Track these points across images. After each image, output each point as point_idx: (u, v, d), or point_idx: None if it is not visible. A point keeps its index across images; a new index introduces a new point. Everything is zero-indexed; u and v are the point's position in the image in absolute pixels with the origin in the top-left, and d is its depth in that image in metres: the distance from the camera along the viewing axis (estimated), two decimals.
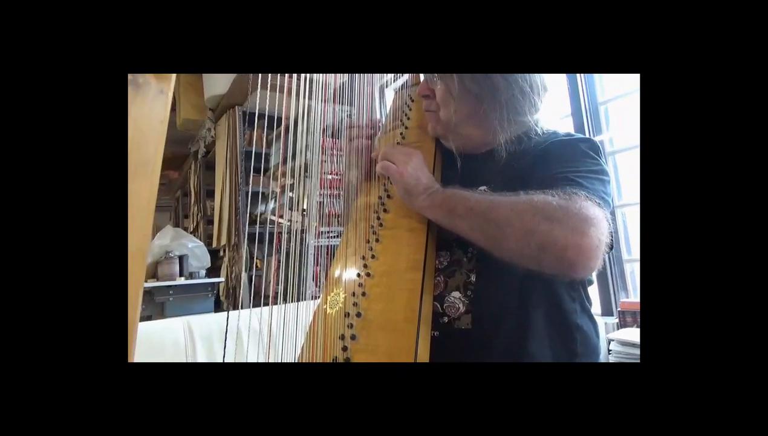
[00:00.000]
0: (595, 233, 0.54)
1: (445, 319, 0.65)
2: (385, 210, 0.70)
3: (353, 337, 0.57)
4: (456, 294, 0.65)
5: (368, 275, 0.63)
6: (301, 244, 0.61)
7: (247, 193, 2.45)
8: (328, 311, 0.63)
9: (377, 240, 0.67)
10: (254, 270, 2.49)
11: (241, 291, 2.19)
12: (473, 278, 0.65)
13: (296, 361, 0.60)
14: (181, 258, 2.08)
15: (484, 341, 0.63)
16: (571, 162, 0.64)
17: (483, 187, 0.68)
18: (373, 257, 0.65)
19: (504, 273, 0.62)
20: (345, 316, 0.60)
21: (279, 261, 0.59)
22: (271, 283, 0.55)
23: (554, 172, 0.62)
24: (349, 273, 0.64)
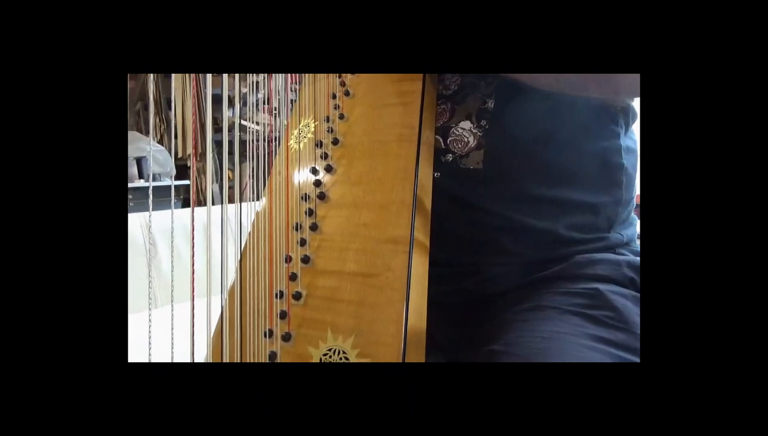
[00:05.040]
0: None
1: (449, 156, 0.50)
2: None
3: (328, 168, 0.42)
4: (466, 125, 0.50)
5: (347, 93, 0.46)
6: (276, 147, 0.46)
7: (210, 96, 2.20)
8: (294, 146, 0.47)
9: None
10: (225, 181, 2.31)
11: (212, 200, 2.04)
12: (491, 105, 0.49)
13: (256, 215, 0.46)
14: (139, 160, 1.87)
15: (498, 184, 0.49)
16: None
17: None
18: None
19: (534, 99, 0.47)
20: (317, 146, 0.44)
21: (252, 169, 0.44)
22: (246, 187, 0.41)
23: None
24: (321, 97, 0.48)
